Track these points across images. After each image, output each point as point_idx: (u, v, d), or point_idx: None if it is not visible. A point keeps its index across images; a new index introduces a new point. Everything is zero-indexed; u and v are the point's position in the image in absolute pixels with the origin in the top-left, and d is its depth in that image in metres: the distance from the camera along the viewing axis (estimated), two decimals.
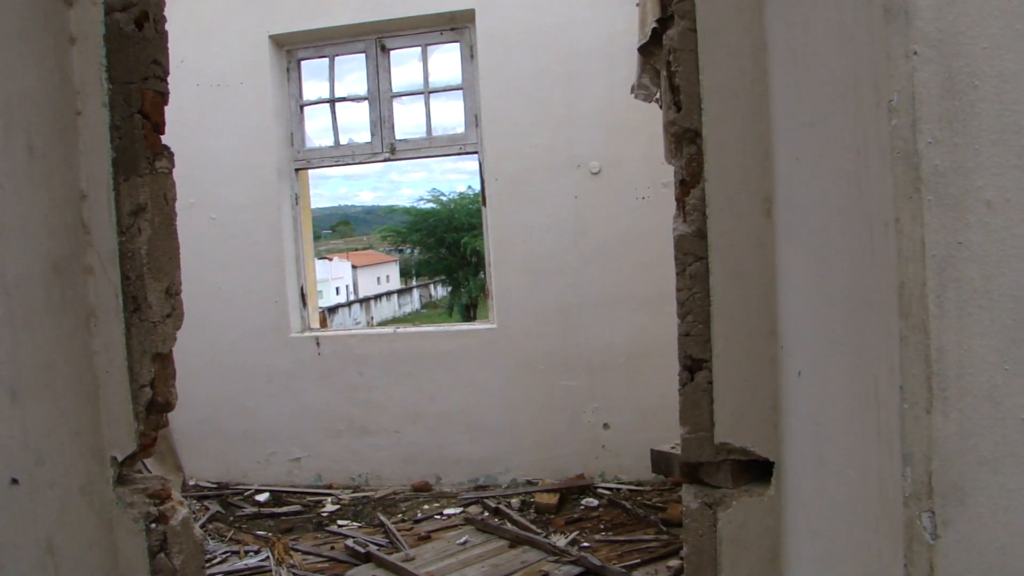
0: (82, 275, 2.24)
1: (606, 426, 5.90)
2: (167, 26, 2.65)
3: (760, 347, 1.82)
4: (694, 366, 1.90)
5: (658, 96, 4.64)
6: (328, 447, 6.35)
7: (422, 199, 41.70)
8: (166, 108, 2.58)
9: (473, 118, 6.14)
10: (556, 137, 5.83)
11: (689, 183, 1.78)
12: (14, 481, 1.90)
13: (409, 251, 44.13)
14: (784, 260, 1.70)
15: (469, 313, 38.88)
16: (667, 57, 1.77)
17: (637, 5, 4.78)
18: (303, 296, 6.53)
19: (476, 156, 6.18)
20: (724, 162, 1.74)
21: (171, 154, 2.55)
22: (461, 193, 39.45)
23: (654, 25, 4.20)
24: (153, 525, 2.33)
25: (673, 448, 4.97)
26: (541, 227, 5.88)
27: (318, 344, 6.29)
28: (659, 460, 5.29)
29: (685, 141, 1.78)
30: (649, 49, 4.36)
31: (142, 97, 2.42)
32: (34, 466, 1.98)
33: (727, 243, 1.77)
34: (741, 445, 2.22)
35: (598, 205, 5.80)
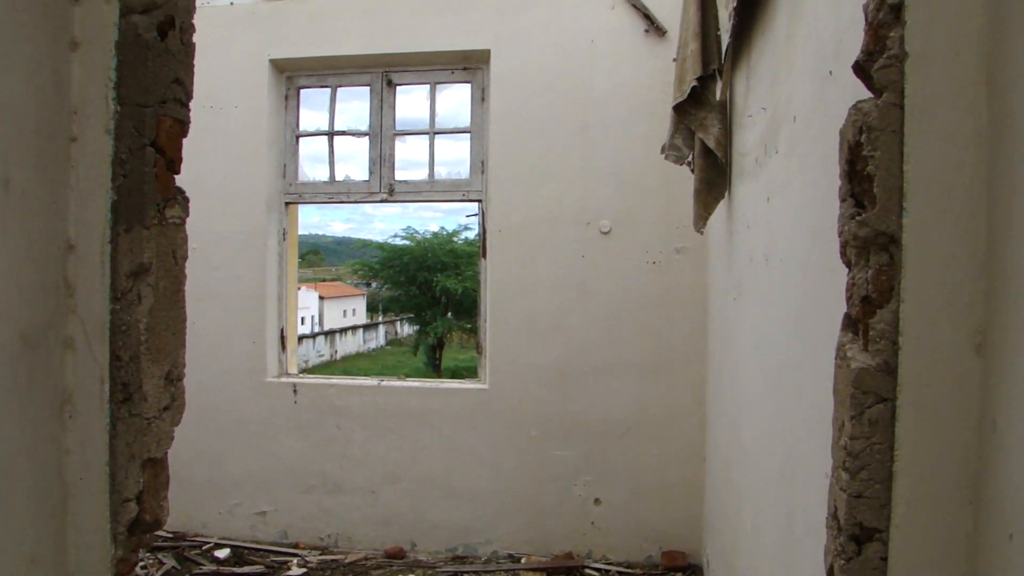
0: (59, 350, 1.70)
1: (597, 501, 5.52)
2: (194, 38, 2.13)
3: (955, 516, 1.41)
4: (864, 536, 1.43)
5: (690, 159, 4.33)
6: (297, 503, 5.91)
7: (396, 235, 41.91)
8: (184, 140, 2.14)
9: (479, 164, 5.80)
10: (567, 190, 5.50)
11: (875, 301, 1.38)
12: None
13: (378, 286, 44.05)
14: (998, 408, 1.31)
15: (435, 354, 38.87)
16: (857, 137, 1.38)
17: (674, 60, 4.49)
18: (283, 338, 6.12)
19: (478, 204, 5.83)
20: (928, 279, 1.34)
21: (186, 200, 2.05)
22: (434, 232, 39.84)
23: (694, 83, 3.91)
24: None
25: None
26: (544, 284, 5.53)
27: (295, 391, 5.88)
28: None
29: (874, 247, 1.39)
30: (685, 108, 4.06)
31: (157, 125, 1.87)
32: None
33: (924, 383, 1.36)
34: None
35: (606, 266, 5.47)
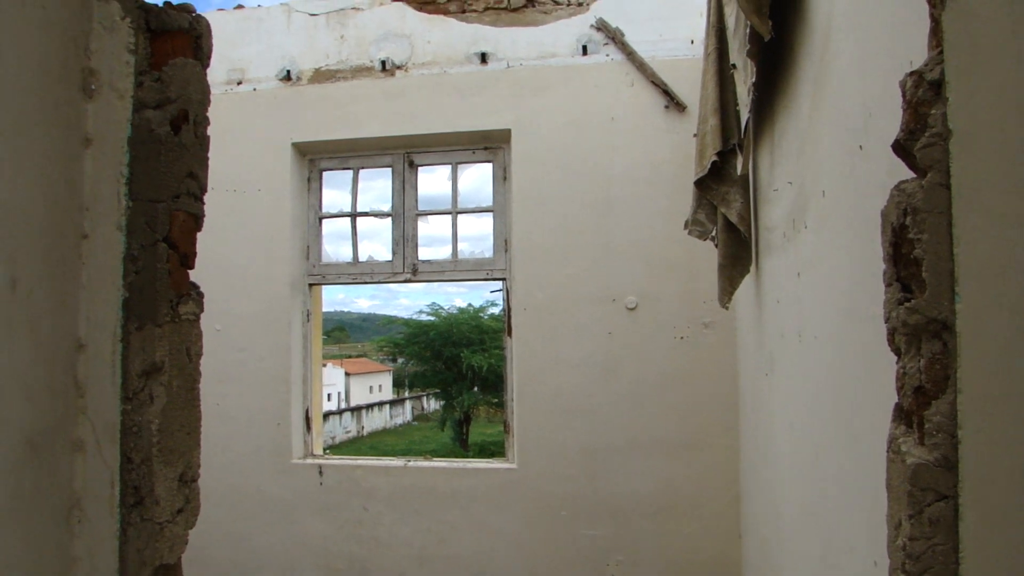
0: (68, 453, 1.63)
1: None
2: (209, 131, 2.12)
3: None
4: None
5: (714, 234, 4.31)
6: None
7: (421, 311, 42.36)
8: (198, 235, 2.12)
9: (502, 242, 5.80)
10: (591, 268, 5.49)
11: (930, 392, 1.31)
12: None
13: (404, 362, 44.28)
14: None
15: (462, 429, 38.80)
16: (902, 219, 1.34)
17: (695, 136, 4.49)
18: (308, 419, 6.08)
19: (503, 283, 5.82)
20: (986, 368, 1.27)
21: (200, 296, 2.00)
22: (460, 308, 40.27)
23: (714, 158, 3.91)
24: None
25: None
26: (570, 362, 5.48)
27: (321, 472, 5.82)
28: None
29: (926, 335, 1.32)
30: (706, 183, 4.05)
31: (170, 220, 1.86)
32: None
33: (987, 479, 1.28)
34: None
35: (633, 342, 5.42)
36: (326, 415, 47.51)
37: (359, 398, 61.60)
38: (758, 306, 4.07)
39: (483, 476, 5.65)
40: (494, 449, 34.97)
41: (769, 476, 3.85)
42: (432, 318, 39.87)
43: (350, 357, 76.25)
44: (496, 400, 37.19)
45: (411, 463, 5.79)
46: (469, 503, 5.61)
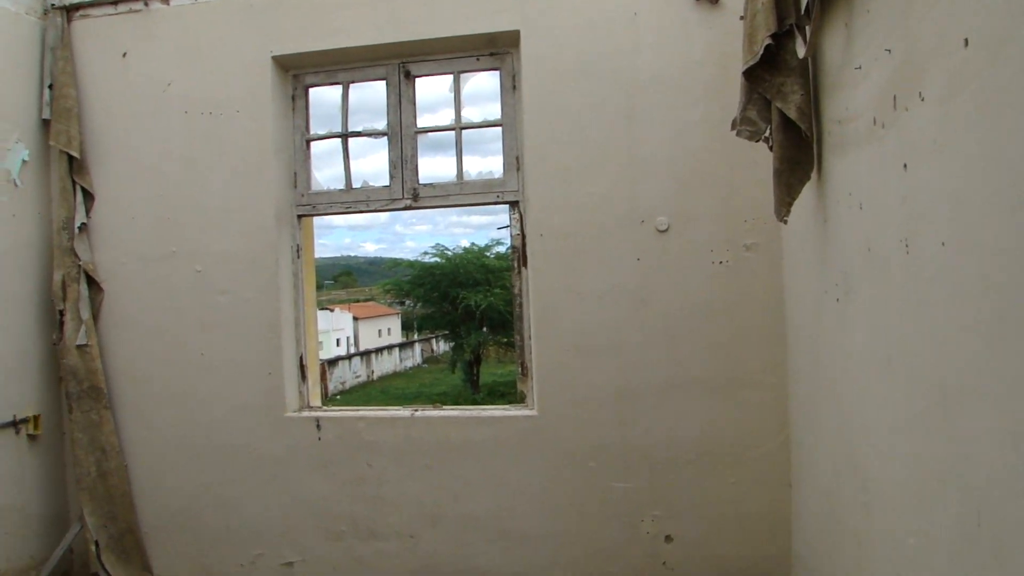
0: None
1: (668, 538, 4.80)
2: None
3: None
4: None
5: (768, 133, 3.62)
6: (327, 551, 5.24)
7: (427, 253, 42.18)
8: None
9: (514, 160, 5.12)
10: (615, 186, 4.80)
11: None
12: None
13: (411, 304, 44.34)
14: None
15: (472, 370, 38.84)
16: None
17: (741, 18, 3.80)
18: (302, 368, 5.46)
19: (516, 206, 5.14)
20: None
21: None
22: (465, 248, 40.23)
23: (768, 42, 3.22)
24: None
25: None
26: (594, 294, 4.83)
27: (318, 426, 5.21)
28: None
29: None
30: (758, 74, 3.37)
31: None
32: None
33: None
34: None
35: (665, 269, 4.76)
36: (335, 360, 47.77)
37: (368, 342, 61.78)
38: (822, 218, 3.40)
39: (500, 425, 5.03)
40: (504, 390, 34.75)
41: (840, 421, 3.22)
42: (437, 259, 39.83)
43: (358, 301, 76.54)
44: (506, 340, 37.12)
45: (419, 413, 5.17)
46: (485, 455, 5.02)
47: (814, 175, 3.41)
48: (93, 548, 5.34)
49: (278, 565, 5.31)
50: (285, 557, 5.30)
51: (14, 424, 5.21)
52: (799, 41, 3.24)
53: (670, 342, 4.77)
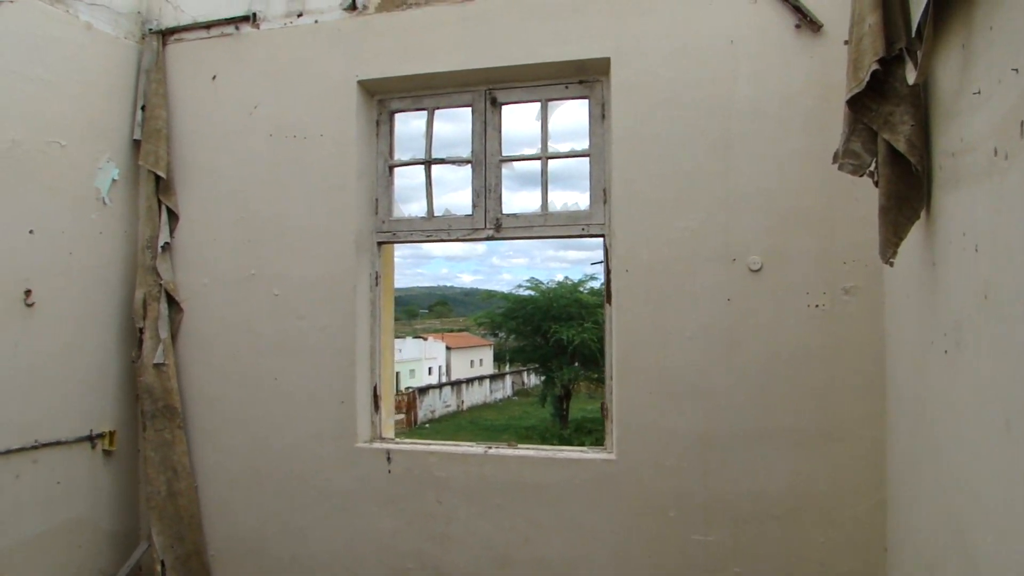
0: None
1: None
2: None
3: None
4: None
5: (872, 167, 3.34)
6: None
7: (521, 286, 42.53)
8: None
9: (601, 192, 4.91)
10: (707, 221, 4.56)
11: None
12: None
13: (504, 336, 44.67)
14: None
15: (562, 404, 38.75)
16: None
17: (846, 43, 3.54)
18: (376, 398, 5.33)
19: (601, 240, 4.94)
20: None
21: None
22: (559, 282, 40.45)
23: (875, 67, 2.96)
24: None
25: None
26: (682, 335, 4.58)
27: (389, 459, 5.06)
28: None
29: None
30: (863, 102, 3.11)
31: None
32: None
33: None
34: None
35: (757, 311, 4.48)
36: (425, 388, 48.14)
37: (460, 372, 62.27)
38: (931, 260, 3.10)
39: (576, 467, 4.80)
40: (592, 427, 34.47)
41: (945, 487, 2.91)
42: (532, 292, 40.09)
43: (452, 331, 77.35)
44: (597, 376, 36.96)
45: (492, 450, 4.98)
46: (559, 498, 4.79)
47: (923, 213, 3.12)
48: (159, 568, 5.28)
49: None
50: None
51: (90, 439, 5.22)
52: (909, 66, 2.98)
53: (760, 389, 4.48)
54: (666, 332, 4.60)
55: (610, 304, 4.83)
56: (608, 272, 4.86)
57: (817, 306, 4.41)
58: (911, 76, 2.95)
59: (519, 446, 5.09)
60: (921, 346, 3.31)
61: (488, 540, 4.90)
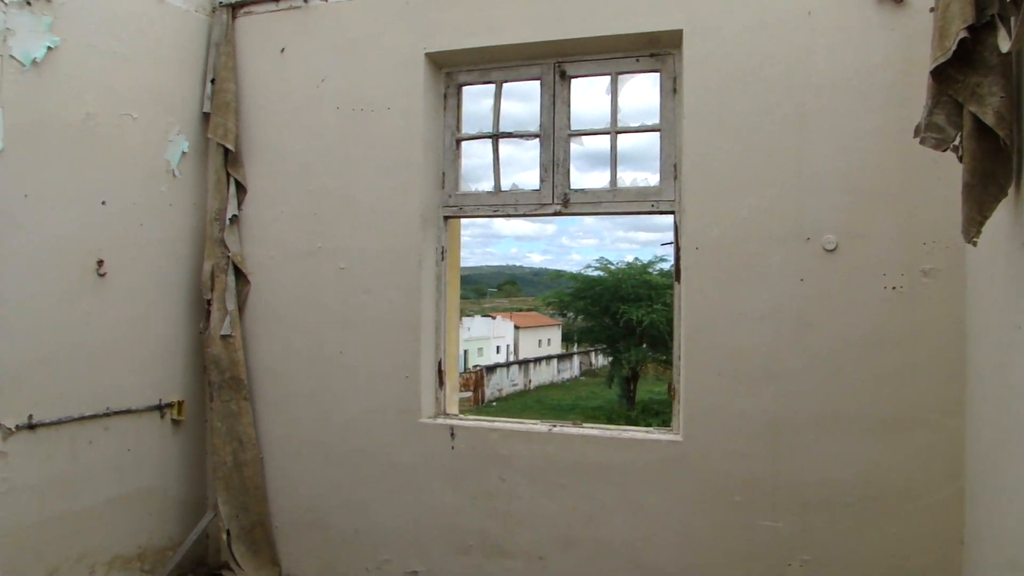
0: None
1: None
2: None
3: None
4: None
5: (957, 142, 3.19)
6: (454, 564, 5.07)
7: (590, 266, 42.45)
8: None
9: (671, 168, 4.81)
10: (780, 199, 4.42)
11: None
12: None
13: (572, 316, 44.74)
14: None
15: (629, 386, 38.67)
16: None
17: (932, 10, 3.38)
18: (440, 373, 5.32)
19: (671, 218, 4.84)
20: None
21: None
22: (629, 263, 40.23)
23: (963, 35, 2.81)
24: None
25: None
26: (753, 315, 4.46)
27: (452, 435, 5.05)
28: None
29: None
30: (948, 73, 2.95)
31: None
32: None
33: None
34: None
35: (832, 292, 4.34)
36: (493, 367, 48.36)
37: (527, 352, 62.46)
38: (1019, 241, 2.95)
39: (642, 448, 4.73)
40: (659, 408, 34.33)
41: None
42: (600, 273, 39.95)
43: (520, 311, 77.61)
44: (664, 358, 36.81)
45: (556, 429, 4.93)
46: (624, 479, 4.72)
47: (1011, 191, 2.97)
48: (224, 537, 5.36)
49: (403, 573, 5.18)
50: (411, 566, 5.16)
51: (159, 408, 5.29)
52: (1002, 34, 2.82)
53: (833, 372, 4.35)
54: (736, 312, 4.49)
55: (679, 282, 4.73)
56: (678, 250, 4.76)
57: (895, 288, 4.26)
58: (1004, 44, 2.79)
59: (584, 425, 5.04)
60: (1006, 330, 3.16)
61: (551, 519, 4.86)
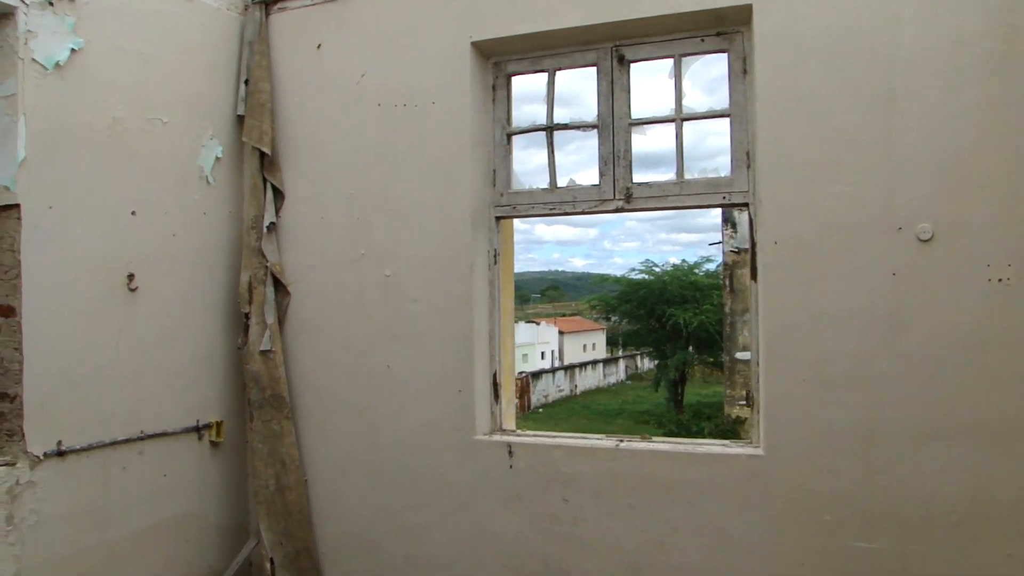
0: None
1: None
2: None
3: None
4: None
5: None
6: None
7: (634, 269, 42.42)
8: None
9: (743, 156, 4.41)
10: (868, 186, 4.01)
11: None
12: None
13: (617, 320, 44.74)
14: None
15: (677, 389, 38.55)
16: None
17: None
18: (495, 386, 4.96)
19: (746, 210, 4.44)
20: None
21: None
22: (674, 265, 40.36)
23: None
24: None
25: None
26: (839, 315, 4.05)
27: (510, 453, 4.69)
28: None
29: None
30: None
31: None
32: None
33: None
34: None
35: (928, 287, 3.92)
36: (538, 373, 48.23)
37: (572, 357, 62.50)
38: None
39: (718, 464, 4.32)
40: (710, 412, 33.83)
41: None
42: (645, 275, 40.00)
43: (564, 316, 77.66)
44: (712, 360, 36.63)
45: (623, 444, 4.54)
46: (699, 498, 4.32)
47: None
48: (268, 566, 5.05)
49: None
50: None
51: (197, 429, 5.01)
52: None
53: (932, 376, 3.92)
54: (821, 312, 4.08)
55: (755, 281, 4.33)
56: (753, 246, 4.35)
57: (1000, 280, 3.83)
58: None
59: (653, 439, 4.66)
60: None
61: (619, 544, 4.48)
